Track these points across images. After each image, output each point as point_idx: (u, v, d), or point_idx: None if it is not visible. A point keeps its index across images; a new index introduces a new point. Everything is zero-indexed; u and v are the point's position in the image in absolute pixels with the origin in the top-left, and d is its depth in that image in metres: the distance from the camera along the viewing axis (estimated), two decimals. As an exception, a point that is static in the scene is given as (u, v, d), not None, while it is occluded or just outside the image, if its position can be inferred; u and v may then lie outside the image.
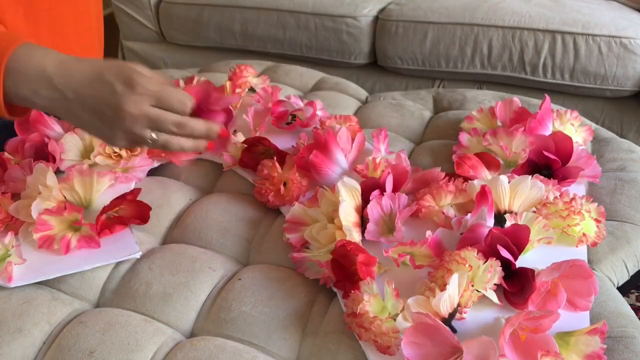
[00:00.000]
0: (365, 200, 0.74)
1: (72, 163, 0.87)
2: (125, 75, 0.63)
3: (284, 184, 0.81)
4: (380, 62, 1.73)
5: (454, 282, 0.59)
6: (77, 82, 0.64)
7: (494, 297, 0.62)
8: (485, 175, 0.81)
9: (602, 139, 0.98)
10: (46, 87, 0.64)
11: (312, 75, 1.26)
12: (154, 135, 0.65)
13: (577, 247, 0.71)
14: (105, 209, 0.75)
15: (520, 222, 0.69)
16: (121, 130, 0.64)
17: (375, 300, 0.60)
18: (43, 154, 0.86)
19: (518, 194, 0.73)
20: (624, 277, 0.74)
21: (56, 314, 0.67)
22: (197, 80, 1.10)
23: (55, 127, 0.93)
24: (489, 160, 0.84)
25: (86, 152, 0.89)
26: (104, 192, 0.82)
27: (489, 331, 0.60)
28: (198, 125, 0.67)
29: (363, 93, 1.21)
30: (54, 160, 0.85)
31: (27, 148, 0.88)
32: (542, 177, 0.77)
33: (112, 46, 2.10)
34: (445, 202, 0.75)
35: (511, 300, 0.63)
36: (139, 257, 0.74)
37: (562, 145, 0.82)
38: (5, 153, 0.88)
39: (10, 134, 0.91)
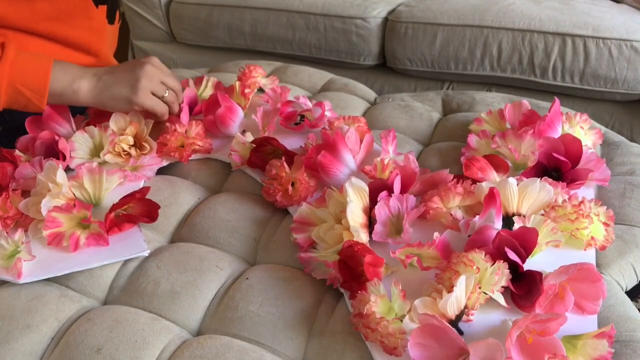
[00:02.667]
0: (373, 201, 0.74)
1: (81, 161, 0.87)
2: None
3: (292, 184, 0.81)
4: (389, 63, 1.73)
5: (461, 284, 0.59)
6: (110, 68, 0.89)
7: (501, 299, 0.62)
8: (493, 177, 0.81)
9: (611, 142, 0.98)
10: (87, 78, 0.86)
11: (321, 76, 1.26)
12: (167, 93, 0.90)
13: (585, 250, 0.71)
14: (114, 207, 0.76)
15: (528, 225, 0.69)
16: (145, 78, 0.86)
17: (382, 301, 0.60)
18: (53, 151, 0.86)
19: (526, 197, 0.73)
20: (632, 281, 0.74)
21: (64, 310, 0.67)
22: (207, 80, 1.11)
23: (65, 125, 0.93)
24: (497, 162, 0.84)
25: (96, 151, 0.89)
26: (113, 190, 0.82)
27: (496, 333, 0.60)
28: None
29: (372, 94, 1.21)
30: (64, 158, 0.85)
31: (38, 146, 0.88)
32: (550, 179, 0.77)
33: (123, 46, 2.11)
34: (453, 204, 0.74)
35: (518, 303, 0.63)
36: (147, 255, 0.74)
37: (571, 148, 0.82)
38: (16, 150, 0.89)
39: (23, 134, 0.92)
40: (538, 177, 0.75)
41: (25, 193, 0.80)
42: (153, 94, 0.89)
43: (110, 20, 1.05)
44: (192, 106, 0.99)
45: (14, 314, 0.65)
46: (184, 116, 0.94)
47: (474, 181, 0.78)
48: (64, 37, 0.96)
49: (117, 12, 1.09)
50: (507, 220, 0.72)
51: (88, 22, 0.98)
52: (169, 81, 0.91)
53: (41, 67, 0.83)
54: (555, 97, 0.94)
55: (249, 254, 0.78)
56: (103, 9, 1.01)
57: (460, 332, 0.60)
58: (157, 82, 0.89)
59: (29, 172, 0.82)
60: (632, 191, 0.83)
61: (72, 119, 0.94)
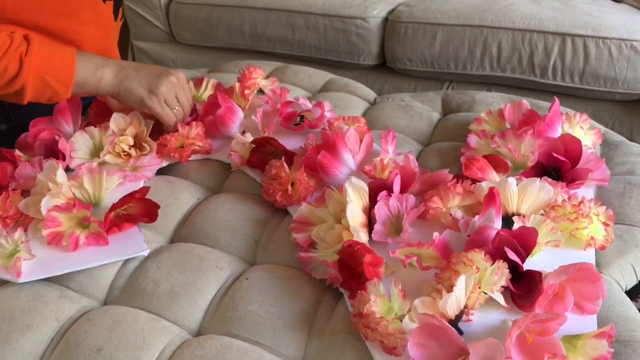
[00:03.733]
0: (373, 201, 0.74)
1: (81, 161, 0.87)
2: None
3: (292, 184, 0.81)
4: (389, 63, 1.73)
5: (460, 283, 0.59)
6: (135, 64, 0.91)
7: (501, 299, 0.62)
8: (493, 177, 0.81)
9: (611, 142, 0.98)
10: (110, 66, 0.87)
11: (320, 76, 1.26)
12: (178, 106, 0.92)
13: (585, 250, 0.71)
14: (114, 207, 0.76)
15: (528, 225, 0.69)
16: (165, 87, 0.88)
17: (381, 301, 0.60)
18: (53, 151, 0.86)
19: (526, 197, 0.73)
20: (632, 281, 0.74)
21: (64, 311, 0.67)
22: (207, 81, 1.11)
23: (66, 125, 0.93)
24: (497, 162, 0.84)
25: (96, 151, 0.89)
26: (112, 190, 0.82)
27: (495, 333, 0.60)
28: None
29: (372, 94, 1.21)
30: (64, 158, 0.85)
31: (38, 146, 0.88)
32: (550, 179, 0.77)
33: (123, 46, 2.11)
34: (452, 203, 0.74)
35: (518, 303, 0.63)
36: (146, 254, 0.74)
37: (571, 148, 0.82)
38: (16, 150, 0.89)
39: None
40: (538, 177, 0.75)
41: (25, 193, 0.80)
42: (166, 103, 0.90)
43: (116, 16, 1.06)
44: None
45: (14, 314, 0.65)
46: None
47: (474, 181, 0.78)
48: (73, 33, 0.96)
49: (121, 9, 1.09)
50: (507, 220, 0.72)
51: (96, 18, 0.99)
52: (182, 98, 0.93)
53: (66, 57, 0.84)
54: (555, 97, 0.94)
55: (248, 254, 0.78)
56: (110, 4, 1.02)
57: (460, 332, 0.60)
58: (173, 95, 0.91)
59: (28, 172, 0.82)
60: (632, 191, 0.83)
61: (80, 118, 0.94)
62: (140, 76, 0.88)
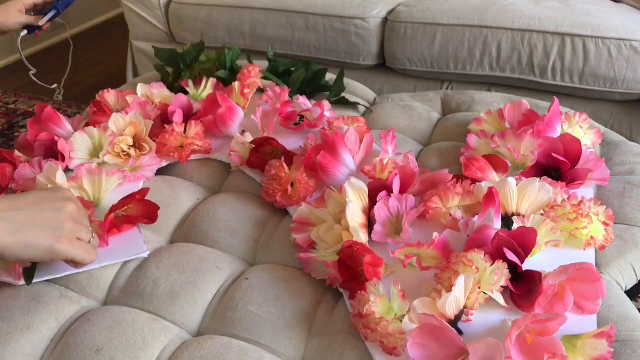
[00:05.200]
0: (373, 202, 0.74)
1: (81, 162, 0.87)
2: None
3: (292, 185, 0.81)
4: (388, 63, 1.73)
5: (460, 283, 0.59)
6: (13, 202, 0.61)
7: (500, 299, 0.62)
8: (493, 177, 0.81)
9: (611, 142, 0.98)
10: None
11: (320, 76, 1.26)
12: (93, 237, 0.68)
13: (584, 250, 0.71)
14: (113, 208, 0.76)
15: (527, 225, 0.69)
16: (71, 221, 0.64)
17: (381, 301, 0.60)
18: (52, 152, 0.86)
19: (526, 197, 0.73)
20: (632, 281, 0.74)
21: (64, 311, 0.67)
22: (206, 80, 1.11)
23: (65, 125, 0.93)
24: (497, 162, 0.84)
25: (95, 151, 0.89)
26: (112, 191, 0.82)
27: (495, 333, 0.60)
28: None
29: (371, 94, 1.21)
30: (64, 159, 0.85)
31: (37, 146, 0.88)
32: (550, 179, 0.77)
33: (123, 46, 2.11)
34: (452, 204, 0.74)
35: (518, 303, 0.63)
36: (146, 256, 0.74)
37: (571, 148, 0.82)
38: (16, 151, 0.89)
39: None
40: (537, 177, 0.75)
41: (25, 194, 0.80)
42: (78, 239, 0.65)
43: None
44: (186, 112, 0.98)
45: (13, 314, 0.65)
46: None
47: (474, 181, 0.78)
48: None
49: None
50: (507, 220, 0.72)
51: None
52: (87, 223, 0.68)
53: None
54: (555, 97, 0.94)
55: (248, 254, 0.78)
56: None
57: (460, 332, 0.60)
58: (82, 225, 0.66)
59: (28, 173, 0.82)
60: (632, 191, 0.83)
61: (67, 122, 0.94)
62: (32, 219, 0.61)
